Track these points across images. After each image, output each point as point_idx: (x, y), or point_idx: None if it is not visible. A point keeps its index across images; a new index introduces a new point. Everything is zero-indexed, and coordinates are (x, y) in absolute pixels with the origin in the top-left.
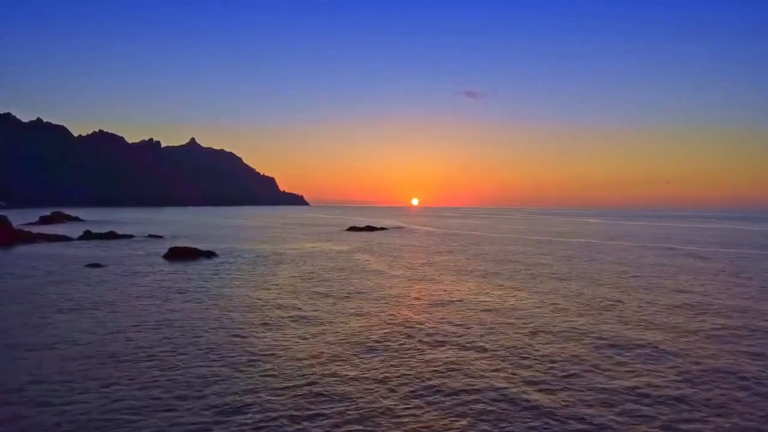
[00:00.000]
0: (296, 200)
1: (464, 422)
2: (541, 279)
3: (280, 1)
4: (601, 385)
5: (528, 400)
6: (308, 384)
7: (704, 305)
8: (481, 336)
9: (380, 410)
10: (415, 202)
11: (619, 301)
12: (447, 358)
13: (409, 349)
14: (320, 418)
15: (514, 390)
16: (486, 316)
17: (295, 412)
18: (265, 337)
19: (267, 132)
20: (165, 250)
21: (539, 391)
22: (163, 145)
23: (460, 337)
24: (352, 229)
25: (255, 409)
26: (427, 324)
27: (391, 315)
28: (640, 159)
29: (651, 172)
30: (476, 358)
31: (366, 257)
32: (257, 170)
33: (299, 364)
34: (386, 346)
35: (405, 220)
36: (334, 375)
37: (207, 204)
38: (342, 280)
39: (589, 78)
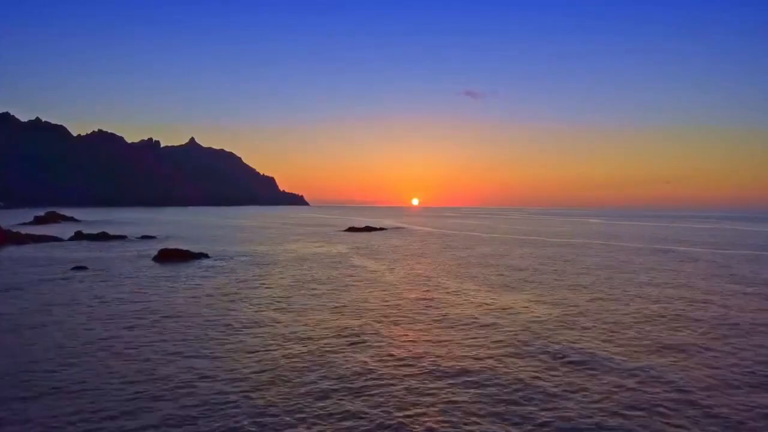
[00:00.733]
0: (296, 200)
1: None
2: (550, 286)
3: (279, 1)
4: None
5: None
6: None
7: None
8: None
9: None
10: (415, 202)
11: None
12: (361, 361)
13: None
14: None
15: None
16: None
17: None
18: (206, 357)
19: (267, 132)
20: (156, 252)
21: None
22: (162, 145)
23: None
24: (351, 229)
25: None
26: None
27: (371, 327)
28: (640, 159)
29: (651, 172)
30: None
31: (364, 262)
32: (257, 170)
33: (232, 390)
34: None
35: (405, 220)
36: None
37: (207, 204)
38: (333, 291)
39: (589, 78)
